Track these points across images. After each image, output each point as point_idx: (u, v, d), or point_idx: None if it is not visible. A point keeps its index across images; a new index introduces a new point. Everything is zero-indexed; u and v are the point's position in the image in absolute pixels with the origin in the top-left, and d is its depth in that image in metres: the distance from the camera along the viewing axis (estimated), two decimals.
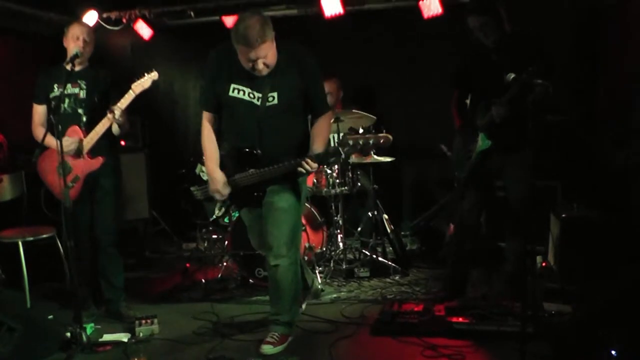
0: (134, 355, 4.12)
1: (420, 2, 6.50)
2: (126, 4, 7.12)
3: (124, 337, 4.53)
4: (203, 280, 5.86)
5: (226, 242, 5.85)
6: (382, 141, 3.83)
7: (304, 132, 4.15)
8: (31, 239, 5.05)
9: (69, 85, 4.71)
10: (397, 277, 5.76)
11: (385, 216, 6.23)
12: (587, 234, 5.02)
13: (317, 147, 3.97)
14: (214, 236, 6.62)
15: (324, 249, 5.92)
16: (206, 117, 4.20)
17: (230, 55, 3.89)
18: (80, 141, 4.68)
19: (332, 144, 5.42)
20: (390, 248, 6.27)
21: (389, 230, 6.19)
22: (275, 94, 3.95)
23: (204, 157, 4.24)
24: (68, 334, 4.30)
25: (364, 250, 6.08)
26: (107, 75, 4.86)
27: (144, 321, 4.60)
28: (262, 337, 4.27)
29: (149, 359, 4.11)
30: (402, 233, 6.89)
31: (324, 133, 4.10)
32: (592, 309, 3.87)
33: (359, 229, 6.45)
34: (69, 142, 4.61)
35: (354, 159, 5.77)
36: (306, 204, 5.50)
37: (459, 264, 5.02)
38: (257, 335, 4.41)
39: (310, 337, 4.48)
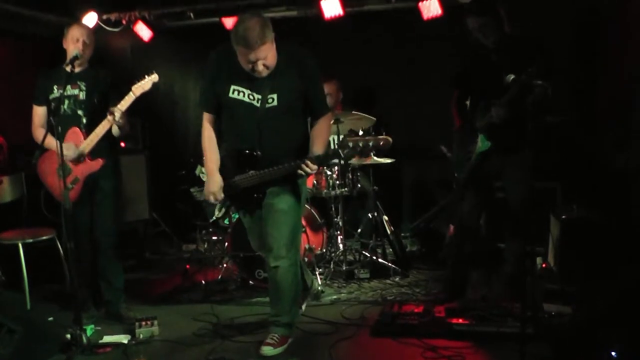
0: (134, 357, 4.14)
1: (420, 4, 6.51)
2: (126, 6, 7.12)
3: (124, 338, 4.52)
4: (203, 282, 5.85)
5: (226, 244, 5.85)
6: (381, 143, 3.83)
7: (304, 133, 4.15)
8: (31, 240, 5.06)
9: (68, 87, 4.71)
10: (397, 279, 5.76)
11: (385, 217, 6.23)
12: (587, 235, 5.02)
13: (317, 149, 3.97)
14: (214, 238, 6.62)
15: (324, 250, 5.93)
16: (206, 118, 4.20)
17: (230, 57, 3.89)
18: (82, 153, 4.68)
19: (332, 146, 5.44)
20: (390, 249, 6.27)
21: (389, 232, 6.19)
22: (275, 96, 3.95)
23: (204, 159, 4.24)
24: (68, 336, 4.29)
25: (364, 252, 6.08)
26: (106, 76, 4.86)
27: (144, 323, 4.60)
28: (262, 339, 4.26)
29: None
30: (402, 234, 6.89)
31: (324, 135, 4.10)
32: (592, 310, 3.88)
33: (359, 230, 6.45)
34: (68, 147, 4.60)
35: (353, 160, 5.77)
36: (306, 206, 5.50)
37: (458, 265, 5.02)
38: (257, 336, 4.41)
39: (310, 338, 4.48)
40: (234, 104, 4.01)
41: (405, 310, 4.67)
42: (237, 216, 5.32)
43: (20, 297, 4.92)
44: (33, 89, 4.87)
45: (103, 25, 7.09)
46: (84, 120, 4.74)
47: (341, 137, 5.52)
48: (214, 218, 4.44)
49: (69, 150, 4.59)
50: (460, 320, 4.35)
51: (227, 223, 5.83)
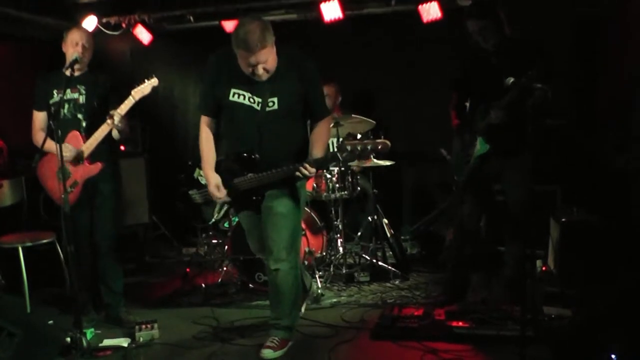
0: None
1: (420, 7, 6.52)
2: (125, 9, 7.12)
3: (124, 342, 4.52)
4: (203, 285, 5.84)
5: (226, 247, 5.85)
6: (380, 147, 3.83)
7: (304, 137, 4.16)
8: (31, 244, 5.04)
9: (68, 91, 4.71)
10: (397, 282, 5.76)
11: (385, 220, 6.22)
12: (587, 238, 5.02)
13: (316, 152, 3.97)
14: (214, 241, 6.61)
15: (324, 253, 5.92)
16: (204, 121, 4.20)
17: (230, 60, 3.89)
18: (80, 152, 4.68)
19: (331, 149, 5.44)
20: (390, 252, 6.26)
21: (389, 235, 6.18)
22: (275, 99, 3.95)
23: (201, 161, 4.24)
24: (68, 339, 4.29)
25: (364, 255, 6.08)
26: (106, 80, 4.86)
27: (144, 326, 4.60)
28: (262, 342, 4.26)
29: None
30: (402, 237, 6.88)
31: (323, 138, 4.11)
32: (592, 313, 3.87)
33: (359, 233, 6.45)
34: (68, 149, 4.60)
35: (353, 163, 5.76)
36: (306, 209, 5.50)
37: (458, 268, 5.02)
38: (257, 339, 4.41)
39: (310, 341, 4.48)
40: (234, 107, 4.01)
41: (405, 313, 4.67)
42: (236, 219, 5.32)
43: (20, 300, 4.90)
44: (32, 93, 4.87)
45: (103, 29, 7.09)
46: (84, 124, 4.74)
47: (340, 140, 5.52)
48: (213, 219, 4.44)
49: (67, 150, 4.58)
50: (460, 323, 4.35)
51: (227, 226, 5.84)
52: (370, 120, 5.81)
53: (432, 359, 4.02)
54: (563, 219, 5.20)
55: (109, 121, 4.61)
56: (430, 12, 6.50)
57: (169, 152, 7.90)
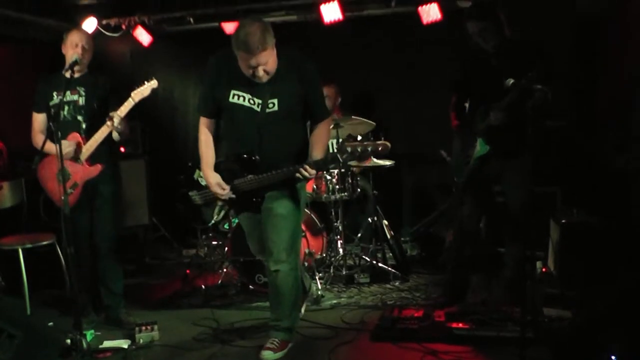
0: None
1: (420, 8, 6.53)
2: (125, 11, 7.13)
3: (124, 343, 4.53)
4: (203, 287, 5.85)
5: (226, 248, 5.85)
6: (380, 149, 3.84)
7: (304, 138, 4.16)
8: (31, 246, 5.05)
9: (68, 93, 4.71)
10: (397, 283, 5.76)
11: (385, 222, 6.22)
12: (587, 239, 5.03)
13: (316, 153, 3.98)
14: (214, 242, 6.61)
15: (324, 254, 5.92)
16: (204, 122, 4.21)
17: (230, 61, 3.89)
18: (78, 144, 4.68)
19: (331, 150, 5.44)
20: (390, 254, 6.26)
21: (388, 236, 6.18)
22: (275, 101, 3.95)
23: (201, 162, 4.24)
24: (68, 341, 4.28)
25: (363, 256, 6.08)
26: (106, 82, 4.86)
27: (144, 327, 4.60)
28: (262, 343, 4.26)
29: None
30: (402, 239, 6.88)
31: (323, 139, 4.11)
32: (592, 315, 3.87)
33: (359, 234, 6.45)
34: (66, 145, 4.60)
35: (353, 163, 5.76)
36: (306, 210, 5.50)
37: (458, 269, 5.02)
38: (258, 341, 4.41)
39: (310, 343, 4.48)
40: (234, 108, 4.02)
41: (405, 314, 4.67)
42: (236, 221, 5.32)
43: (20, 302, 4.91)
44: (33, 95, 4.87)
45: (103, 31, 7.10)
46: (84, 126, 4.74)
47: (340, 141, 5.52)
48: (213, 221, 4.44)
49: (66, 146, 4.57)
50: (460, 325, 4.35)
51: (227, 228, 5.83)
52: (370, 122, 5.81)
53: None
54: (563, 221, 5.20)
55: (108, 123, 4.61)
56: (430, 13, 6.50)
57: (169, 154, 7.89)
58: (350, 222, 6.48)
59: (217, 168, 4.16)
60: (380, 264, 5.97)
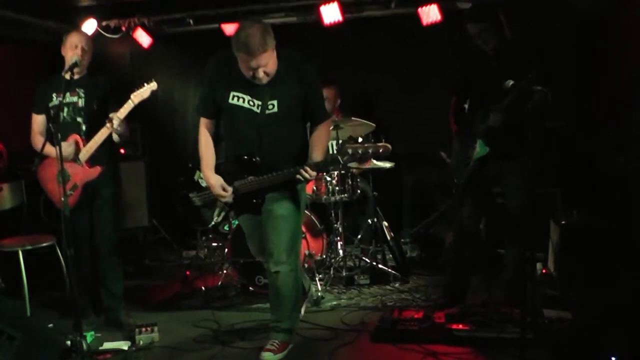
0: None
1: (419, 9, 6.53)
2: (125, 12, 7.12)
3: (124, 345, 4.53)
4: (203, 288, 5.85)
5: (226, 250, 5.85)
6: (381, 150, 3.83)
7: (303, 140, 4.16)
8: (31, 247, 5.05)
9: (67, 94, 4.70)
10: (397, 284, 5.75)
11: (385, 223, 6.23)
12: (587, 240, 5.03)
13: (316, 155, 3.98)
14: (214, 244, 6.61)
15: (324, 256, 5.92)
16: (203, 123, 4.21)
17: (230, 63, 3.90)
18: (77, 143, 4.68)
19: (330, 151, 5.44)
20: (390, 255, 6.26)
21: (388, 238, 6.18)
22: (275, 102, 3.95)
23: (200, 164, 4.24)
24: (68, 343, 4.27)
25: (363, 258, 6.08)
26: (106, 83, 4.86)
27: (144, 329, 4.60)
28: (262, 345, 4.26)
29: None
30: (402, 240, 6.89)
31: (323, 141, 4.11)
32: (592, 316, 3.87)
33: (359, 236, 6.45)
34: (66, 146, 4.60)
35: (353, 164, 5.75)
36: (306, 212, 5.50)
37: (458, 270, 5.01)
38: (258, 342, 4.41)
39: (310, 344, 4.48)
40: (234, 110, 4.02)
41: (405, 316, 4.67)
42: (236, 222, 5.32)
43: (20, 303, 4.91)
44: (32, 97, 4.87)
45: (102, 32, 7.10)
46: (84, 128, 4.74)
47: (340, 143, 5.52)
48: (213, 223, 4.44)
49: (65, 146, 4.56)
50: (460, 326, 4.34)
51: (227, 229, 5.83)
52: (370, 123, 5.81)
53: None
54: (563, 222, 5.21)
55: (108, 125, 4.61)
56: (430, 14, 6.51)
57: (169, 155, 7.88)
58: (350, 224, 6.48)
59: (217, 169, 4.15)
60: (380, 265, 5.97)
